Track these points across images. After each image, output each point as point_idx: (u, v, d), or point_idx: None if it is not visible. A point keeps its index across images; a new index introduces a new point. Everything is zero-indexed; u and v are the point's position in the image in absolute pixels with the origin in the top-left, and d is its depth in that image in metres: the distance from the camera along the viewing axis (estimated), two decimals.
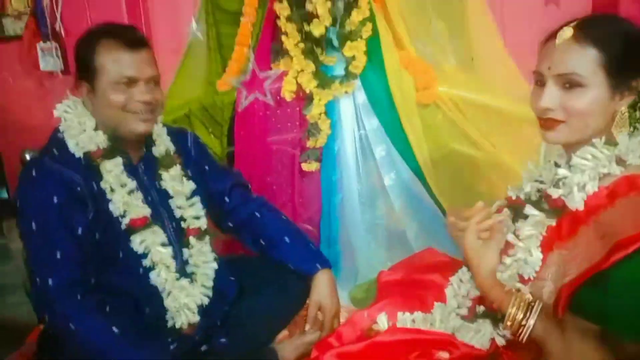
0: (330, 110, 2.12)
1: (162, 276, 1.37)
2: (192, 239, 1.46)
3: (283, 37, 2.12)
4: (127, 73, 1.32)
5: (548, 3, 2.21)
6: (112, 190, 1.34)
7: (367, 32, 2.08)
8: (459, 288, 1.23)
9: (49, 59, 2.50)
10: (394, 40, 2.11)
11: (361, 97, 2.13)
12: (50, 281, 1.25)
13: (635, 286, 0.93)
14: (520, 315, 1.02)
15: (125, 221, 1.34)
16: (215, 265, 1.49)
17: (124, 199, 1.35)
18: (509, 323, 1.04)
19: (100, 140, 1.35)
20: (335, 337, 1.26)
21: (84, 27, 1.41)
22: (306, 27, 2.08)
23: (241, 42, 2.20)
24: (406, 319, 1.24)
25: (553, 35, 1.07)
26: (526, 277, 1.07)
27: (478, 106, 2.05)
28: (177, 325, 1.39)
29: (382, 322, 1.25)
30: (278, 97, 2.15)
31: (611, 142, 1.05)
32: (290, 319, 1.59)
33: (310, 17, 2.07)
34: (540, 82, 1.08)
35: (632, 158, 1.03)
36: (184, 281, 1.41)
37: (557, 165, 1.12)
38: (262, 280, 1.54)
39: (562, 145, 1.11)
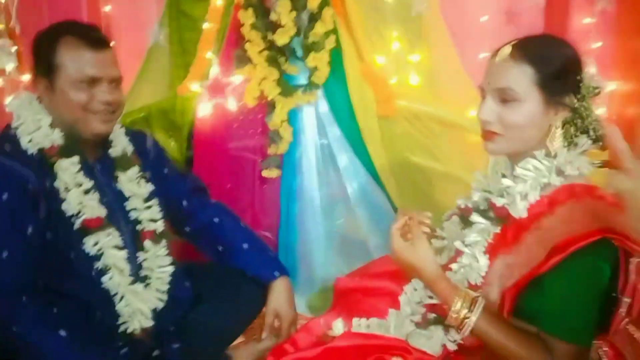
0: (292, 118, 2.13)
1: (116, 280, 1.33)
2: (147, 242, 1.43)
3: (247, 45, 2.12)
4: (89, 72, 1.30)
5: (508, 23, 2.30)
6: (66, 189, 1.31)
7: (330, 44, 2.10)
8: (412, 295, 1.25)
9: (2, 57, 2.43)
10: (356, 53, 2.14)
11: (324, 106, 2.16)
12: None
13: (566, 287, 1.00)
14: (464, 310, 1.06)
15: (79, 221, 1.31)
16: (171, 270, 1.46)
17: (79, 198, 1.31)
18: (453, 316, 1.07)
19: (55, 137, 1.32)
20: (290, 344, 1.26)
21: (40, 27, 1.37)
22: (270, 36, 2.10)
23: (204, 48, 2.19)
24: (361, 325, 1.25)
25: (495, 53, 1.13)
26: (473, 283, 1.11)
27: (434, 120, 2.11)
28: (130, 330, 1.35)
29: (338, 328, 1.26)
30: (240, 103, 2.15)
31: (551, 154, 1.10)
32: (246, 325, 1.58)
33: (274, 26, 2.09)
34: (483, 95, 1.14)
35: (570, 169, 1.09)
36: (138, 285, 1.38)
37: (503, 175, 1.17)
38: (218, 287, 1.52)
39: (506, 156, 1.17)
